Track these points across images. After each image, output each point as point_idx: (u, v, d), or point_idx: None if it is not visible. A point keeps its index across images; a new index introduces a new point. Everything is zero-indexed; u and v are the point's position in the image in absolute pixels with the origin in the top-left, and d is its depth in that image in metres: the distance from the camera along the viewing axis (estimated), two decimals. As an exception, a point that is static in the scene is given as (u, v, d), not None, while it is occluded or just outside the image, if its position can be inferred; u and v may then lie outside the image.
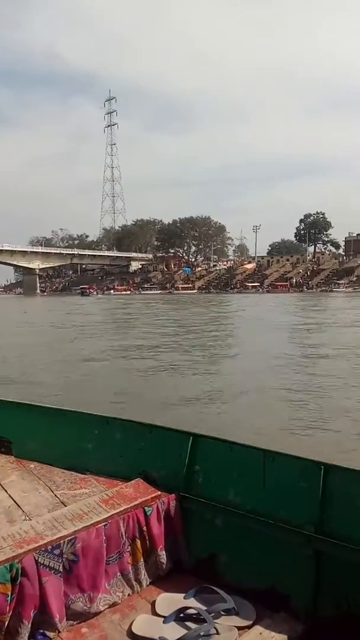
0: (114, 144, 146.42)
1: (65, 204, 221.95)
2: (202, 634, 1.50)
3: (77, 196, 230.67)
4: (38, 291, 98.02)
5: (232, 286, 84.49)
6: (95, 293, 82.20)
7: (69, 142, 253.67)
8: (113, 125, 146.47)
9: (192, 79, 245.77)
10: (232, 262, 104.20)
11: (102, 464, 2.19)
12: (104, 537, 1.66)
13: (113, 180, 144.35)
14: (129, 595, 1.71)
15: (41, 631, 1.47)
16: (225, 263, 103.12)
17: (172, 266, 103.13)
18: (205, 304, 42.25)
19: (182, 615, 1.59)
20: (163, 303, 46.00)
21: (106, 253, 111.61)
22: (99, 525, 1.66)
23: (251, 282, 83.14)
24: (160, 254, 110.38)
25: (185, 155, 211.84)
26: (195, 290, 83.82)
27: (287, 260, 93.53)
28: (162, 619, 1.59)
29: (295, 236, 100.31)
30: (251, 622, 1.59)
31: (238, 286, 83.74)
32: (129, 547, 1.75)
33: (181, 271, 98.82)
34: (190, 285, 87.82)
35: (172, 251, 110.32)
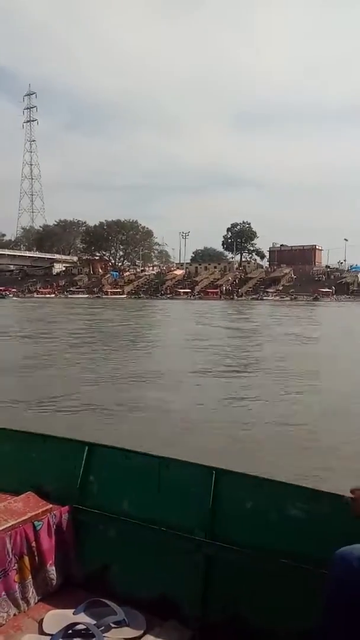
0: (34, 141, 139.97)
1: None
2: None
3: None
4: None
5: (162, 292, 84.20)
6: (11, 295, 77.36)
7: None
8: (33, 121, 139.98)
9: (112, 79, 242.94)
10: (158, 267, 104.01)
11: None
12: None
13: (32, 178, 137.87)
14: (14, 615, 1.63)
15: None
16: (151, 268, 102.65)
17: (99, 270, 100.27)
18: (147, 312, 41.25)
19: (70, 631, 1.53)
20: (110, 309, 44.12)
21: (27, 253, 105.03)
22: None
23: (182, 288, 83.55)
24: (86, 257, 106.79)
25: (102, 158, 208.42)
26: (125, 295, 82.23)
27: (215, 267, 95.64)
28: (49, 637, 1.52)
29: (223, 244, 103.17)
30: (141, 632, 1.57)
31: (169, 292, 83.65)
32: (16, 564, 1.66)
33: (109, 275, 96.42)
34: (119, 290, 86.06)
35: (99, 254, 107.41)
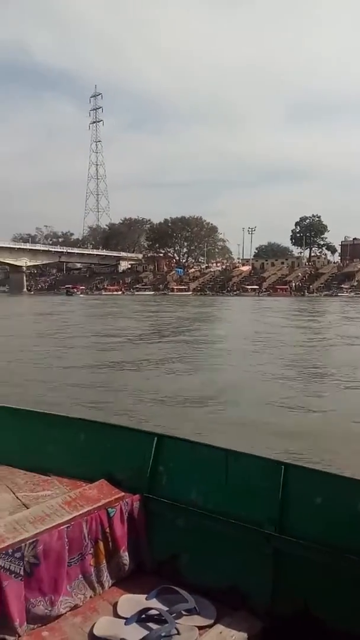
0: (99, 141, 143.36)
1: (42, 201, 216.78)
2: (163, 634, 1.51)
3: (55, 194, 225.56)
4: (25, 290, 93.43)
5: (228, 288, 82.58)
6: (79, 293, 79.35)
7: (39, 139, 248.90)
8: (98, 122, 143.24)
9: (170, 78, 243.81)
10: (222, 263, 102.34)
11: (65, 465, 2.14)
12: (66, 539, 1.64)
13: (98, 178, 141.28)
14: (90, 597, 1.69)
15: (1, 636, 1.45)
16: (215, 265, 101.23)
17: (164, 267, 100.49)
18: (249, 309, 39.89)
19: (143, 616, 1.59)
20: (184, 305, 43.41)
21: (95, 252, 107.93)
22: (62, 527, 1.64)
23: (249, 285, 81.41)
24: (150, 254, 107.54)
25: (162, 156, 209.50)
26: (190, 292, 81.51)
27: (282, 263, 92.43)
28: (124, 620, 1.58)
29: (291, 239, 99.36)
30: (212, 621, 1.60)
31: (235, 289, 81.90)
32: (92, 548, 1.73)
33: (173, 272, 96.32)
34: (184, 287, 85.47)
35: (163, 251, 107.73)
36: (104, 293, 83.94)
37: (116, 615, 1.62)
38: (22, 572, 1.51)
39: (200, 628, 1.56)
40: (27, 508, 1.79)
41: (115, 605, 1.66)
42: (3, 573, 1.45)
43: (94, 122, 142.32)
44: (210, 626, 1.57)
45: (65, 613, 1.60)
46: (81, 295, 73.97)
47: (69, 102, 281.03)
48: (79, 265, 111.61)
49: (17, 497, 1.91)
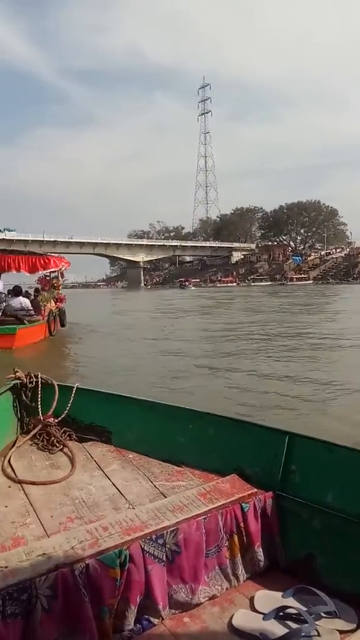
0: (208, 133, 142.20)
1: (152, 198, 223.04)
2: (303, 634, 1.47)
3: (164, 190, 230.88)
4: (142, 284, 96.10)
5: (354, 275, 75.77)
6: (190, 286, 78.25)
7: (148, 137, 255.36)
8: (207, 113, 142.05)
9: (274, 65, 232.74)
10: (341, 249, 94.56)
11: (197, 457, 2.20)
12: (204, 530, 1.67)
13: (207, 170, 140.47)
14: (226, 589, 1.72)
15: (146, 617, 1.51)
16: (336, 250, 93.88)
17: (279, 255, 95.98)
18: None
19: (281, 613, 1.58)
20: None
21: (207, 244, 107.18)
22: (199, 518, 1.67)
23: (378, 271, 73.79)
24: (264, 243, 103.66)
25: (267, 144, 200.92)
26: (311, 281, 76.26)
27: None
28: (262, 615, 1.58)
29: None
30: (354, 626, 1.54)
31: (361, 275, 74.88)
32: (227, 541, 1.75)
33: (290, 261, 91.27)
34: (304, 276, 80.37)
35: (277, 240, 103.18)
36: (218, 285, 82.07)
37: (253, 609, 1.60)
38: (164, 558, 1.56)
39: (341, 632, 1.49)
40: (165, 497, 1.87)
41: (251, 600, 1.65)
42: (148, 557, 1.51)
43: (202, 114, 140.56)
44: (352, 631, 1.47)
45: (204, 602, 1.63)
46: (192, 288, 73.18)
47: (175, 100, 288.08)
48: (189, 258, 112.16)
49: (155, 486, 2.00)
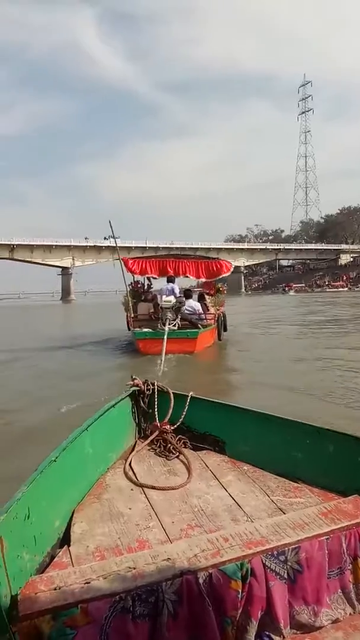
0: (309, 132, 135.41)
1: (246, 202, 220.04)
2: None
3: (260, 193, 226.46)
4: (243, 290, 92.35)
5: None
6: (291, 291, 74.38)
7: (242, 142, 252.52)
8: (307, 111, 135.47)
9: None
10: None
11: (314, 474, 2.11)
12: (326, 551, 1.58)
13: (307, 170, 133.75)
14: (350, 614, 1.61)
15: (267, 633, 1.45)
16: None
17: None
18: None
19: None
20: None
21: (312, 246, 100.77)
22: (321, 538, 1.58)
23: None
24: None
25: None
26: None
27: None
28: None
29: None
30: None
31: None
32: (350, 564, 1.64)
33: None
34: None
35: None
36: (327, 290, 75.61)
37: None
38: (285, 576, 1.50)
39: None
40: (283, 513, 1.82)
41: None
42: (269, 573, 1.46)
43: (303, 113, 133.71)
44: None
45: (327, 625, 1.54)
46: (291, 293, 69.06)
47: (269, 103, 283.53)
48: (287, 262, 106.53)
49: (272, 501, 1.95)
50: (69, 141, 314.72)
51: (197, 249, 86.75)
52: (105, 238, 76.93)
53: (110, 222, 12.24)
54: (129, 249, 75.96)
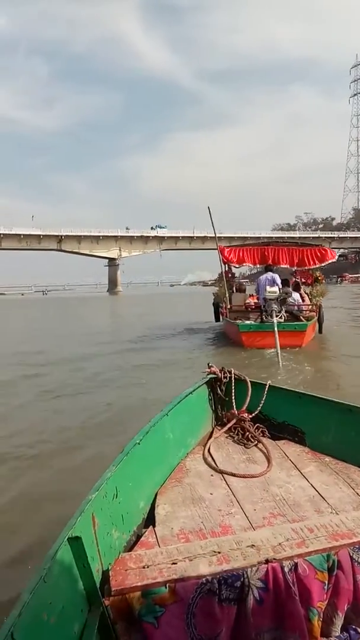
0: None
1: (292, 190, 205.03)
2: None
3: (303, 180, 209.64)
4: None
5: None
6: (346, 282, 69.66)
7: (285, 129, 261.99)
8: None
9: None
10: None
11: None
12: None
13: (359, 155, 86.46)
14: None
15: (354, 627, 1.38)
16: None
17: None
18: None
19: None
20: None
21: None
22: None
23: None
24: None
25: None
26: None
27: None
28: None
29: None
30: None
31: None
32: None
33: None
34: None
35: None
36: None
37: None
38: None
39: None
40: None
41: None
42: (357, 567, 1.40)
43: (354, 95, 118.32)
44: None
45: None
46: (343, 284, 63.67)
47: (313, 89, 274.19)
48: (339, 251, 77.42)
49: (357, 493, 1.89)
50: (112, 134, 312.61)
51: (245, 237, 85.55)
52: (152, 228, 77.74)
53: (209, 208, 10.43)
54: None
